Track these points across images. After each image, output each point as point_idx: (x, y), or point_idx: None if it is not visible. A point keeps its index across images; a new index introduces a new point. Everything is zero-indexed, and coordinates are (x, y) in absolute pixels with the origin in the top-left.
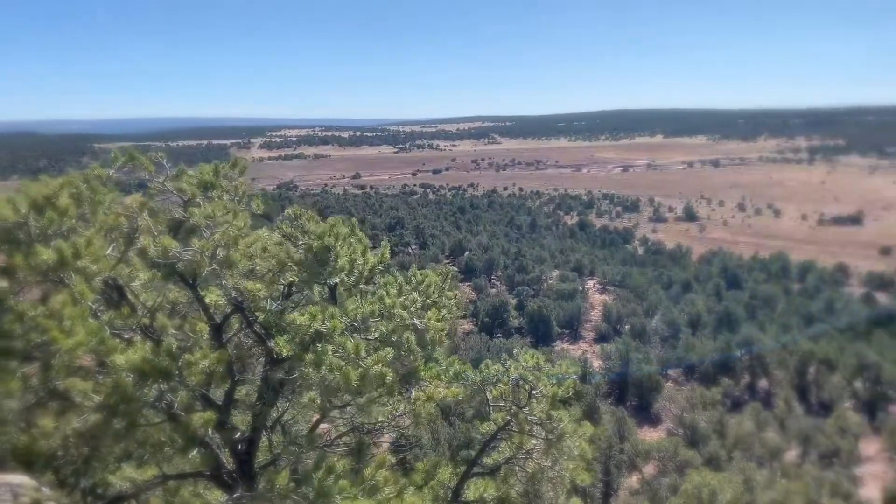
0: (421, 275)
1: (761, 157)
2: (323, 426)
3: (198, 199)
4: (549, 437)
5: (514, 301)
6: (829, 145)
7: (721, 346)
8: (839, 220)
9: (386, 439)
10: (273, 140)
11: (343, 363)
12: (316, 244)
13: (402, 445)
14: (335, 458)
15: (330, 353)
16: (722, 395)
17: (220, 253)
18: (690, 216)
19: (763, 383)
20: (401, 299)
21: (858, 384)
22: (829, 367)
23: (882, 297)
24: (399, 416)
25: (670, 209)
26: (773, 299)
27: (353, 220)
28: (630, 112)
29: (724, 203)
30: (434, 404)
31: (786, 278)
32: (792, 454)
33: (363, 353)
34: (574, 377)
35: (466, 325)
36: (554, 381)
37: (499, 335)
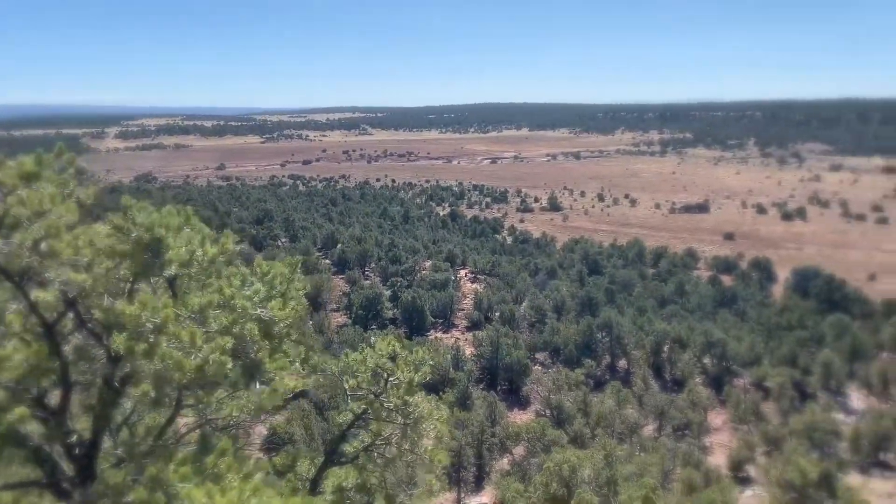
0: (266, 266)
1: (619, 150)
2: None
3: (19, 191)
4: (407, 422)
5: (388, 292)
6: (678, 138)
7: (584, 330)
8: (688, 209)
9: (257, 435)
10: (130, 129)
11: (178, 353)
12: (146, 235)
13: (275, 443)
14: (179, 453)
15: (164, 343)
16: (585, 376)
17: (44, 245)
18: (555, 206)
19: (622, 363)
20: (244, 290)
21: (707, 360)
22: (681, 345)
23: (726, 280)
24: (254, 410)
25: (536, 200)
26: (630, 284)
27: (189, 209)
28: (497, 105)
29: (585, 193)
30: (282, 396)
31: (642, 263)
32: (649, 428)
33: (200, 343)
34: (430, 363)
35: (340, 318)
36: (412, 368)
37: (374, 327)
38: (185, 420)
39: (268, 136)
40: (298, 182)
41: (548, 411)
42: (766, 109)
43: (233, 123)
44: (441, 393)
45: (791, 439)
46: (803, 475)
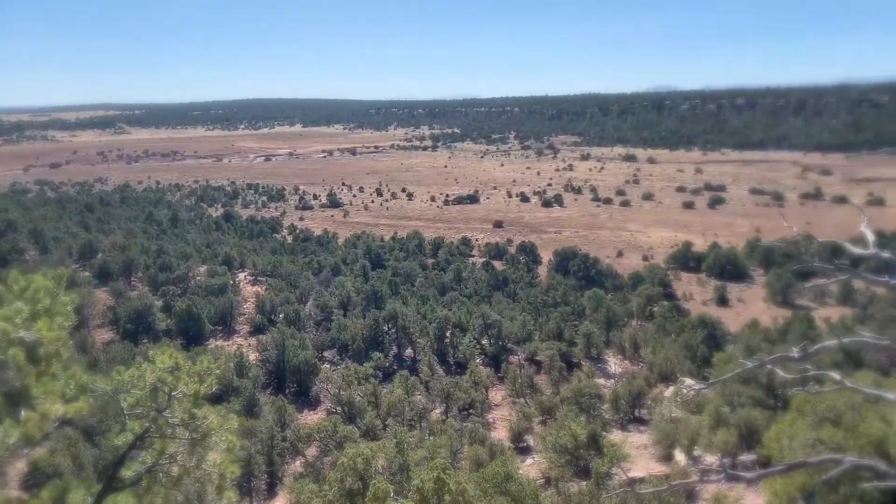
0: (24, 280)
1: (393, 145)
2: None
3: None
4: (194, 436)
5: (159, 302)
6: (448, 133)
7: (371, 324)
8: (461, 200)
9: (16, 473)
10: None
11: None
12: None
13: (38, 480)
14: None
15: None
16: (374, 369)
17: None
18: (334, 203)
19: (409, 352)
20: (1, 310)
21: (485, 341)
22: (461, 329)
23: (498, 264)
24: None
25: (315, 196)
26: (412, 275)
27: None
28: (268, 101)
29: (364, 189)
30: (51, 424)
31: (422, 254)
32: (437, 412)
33: None
34: (217, 372)
35: (106, 334)
36: (196, 379)
37: (145, 341)
38: None
39: (6, 137)
40: (46, 187)
41: (339, 408)
42: (523, 105)
43: None
44: (226, 402)
45: (562, 406)
46: (574, 438)
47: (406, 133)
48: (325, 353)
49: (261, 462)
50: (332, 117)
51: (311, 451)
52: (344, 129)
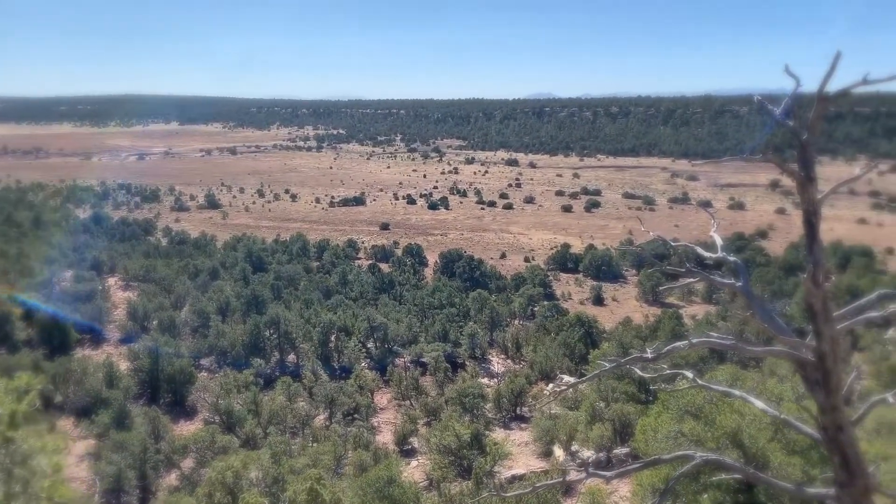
0: None
1: (276, 145)
2: None
3: None
4: (10, 461)
5: (19, 311)
6: (333, 134)
7: (251, 329)
8: (346, 202)
9: None
10: None
11: None
12: None
13: None
14: None
15: None
16: (255, 376)
17: None
18: (213, 204)
19: (292, 357)
20: None
21: (371, 344)
22: (346, 333)
23: (384, 267)
24: None
25: (192, 197)
26: (295, 278)
27: None
28: (143, 97)
29: (244, 189)
30: None
31: (306, 257)
32: (321, 418)
33: None
34: (38, 388)
35: None
36: (13, 398)
37: (2, 352)
38: None
39: None
40: None
41: (217, 417)
42: (409, 108)
43: None
44: (93, 416)
45: (447, 407)
46: (458, 438)
47: (289, 133)
48: (203, 361)
49: (132, 477)
50: (210, 115)
51: (188, 463)
52: (223, 127)
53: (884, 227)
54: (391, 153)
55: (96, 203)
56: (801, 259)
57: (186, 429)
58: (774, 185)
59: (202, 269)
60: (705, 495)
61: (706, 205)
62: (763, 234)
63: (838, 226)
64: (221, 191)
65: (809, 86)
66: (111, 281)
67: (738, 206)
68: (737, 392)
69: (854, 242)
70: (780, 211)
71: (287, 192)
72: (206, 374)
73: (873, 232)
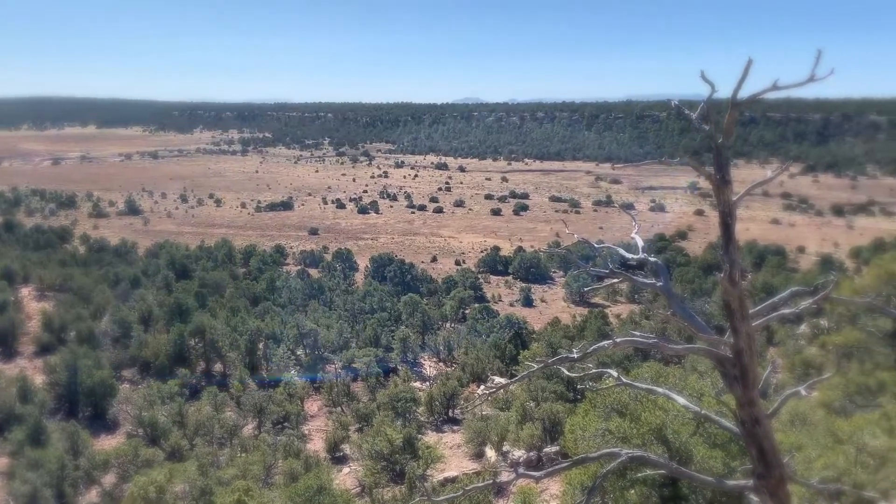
0: None
1: (199, 149)
2: None
3: None
4: None
5: None
6: (259, 138)
7: (175, 339)
8: (273, 207)
9: None
10: None
11: None
12: None
13: None
14: None
15: None
16: (180, 387)
17: None
18: (133, 210)
19: (219, 366)
20: None
21: (301, 351)
22: (275, 340)
23: (314, 272)
24: None
25: (111, 203)
26: (221, 285)
27: None
28: (57, 99)
29: (166, 195)
30: None
31: (232, 264)
32: (250, 427)
33: None
34: None
35: None
36: None
37: None
38: None
39: None
40: None
41: (140, 430)
42: (337, 111)
43: None
44: (6, 433)
45: (379, 413)
46: (390, 443)
47: (213, 136)
48: (125, 373)
49: (48, 495)
50: (130, 119)
51: (110, 479)
52: (144, 131)
53: (795, 227)
54: (319, 157)
55: (7, 210)
56: (719, 259)
57: (108, 443)
58: (693, 187)
59: (123, 277)
60: (632, 491)
61: (629, 207)
62: (683, 235)
63: (753, 226)
64: (142, 196)
65: (724, 91)
66: (25, 291)
67: (658, 208)
68: (660, 389)
69: (768, 242)
70: (699, 212)
71: (211, 197)
72: (128, 386)
73: (786, 231)
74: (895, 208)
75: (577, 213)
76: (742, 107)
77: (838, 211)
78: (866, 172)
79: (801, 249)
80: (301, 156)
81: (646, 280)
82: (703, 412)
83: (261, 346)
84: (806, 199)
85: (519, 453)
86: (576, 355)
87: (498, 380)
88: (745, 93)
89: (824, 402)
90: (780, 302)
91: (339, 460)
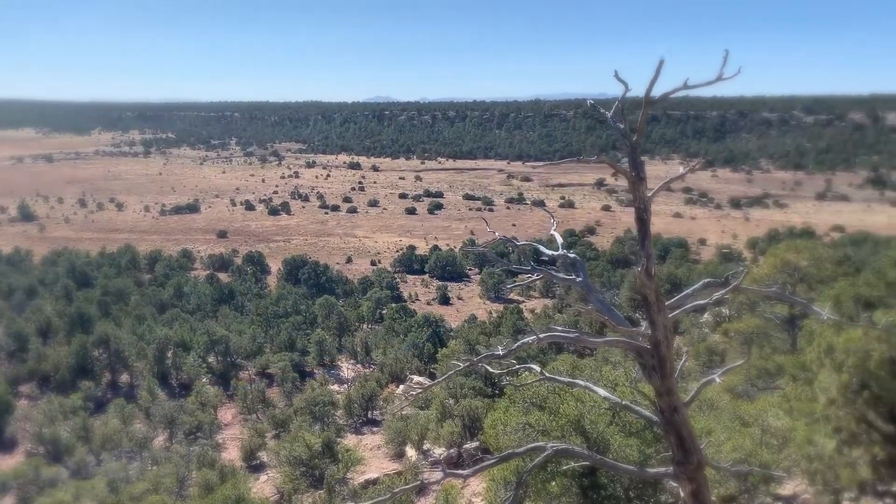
0: None
1: (98, 151)
2: None
3: None
4: None
5: None
6: (161, 138)
7: (77, 350)
8: (179, 210)
9: None
10: None
11: None
12: None
13: None
14: None
15: None
16: (84, 400)
17: None
18: (27, 216)
19: (125, 377)
20: None
21: (212, 359)
22: (184, 348)
23: (224, 277)
24: None
25: (2, 209)
26: (125, 292)
27: None
28: None
29: (63, 200)
30: None
31: (136, 270)
32: (161, 439)
33: None
34: None
35: None
36: None
37: None
38: None
39: None
40: None
41: (41, 448)
42: (243, 110)
43: None
44: None
45: (296, 418)
46: (308, 448)
47: (113, 137)
48: (22, 388)
49: None
50: (20, 120)
51: (9, 502)
52: (37, 133)
53: (696, 220)
54: (226, 157)
55: None
56: (627, 252)
57: (5, 463)
58: (600, 183)
59: (17, 287)
60: (553, 482)
61: (541, 204)
62: (591, 231)
63: (657, 220)
64: (37, 202)
65: (635, 91)
66: None
67: (568, 204)
68: (581, 382)
69: (671, 235)
70: (606, 208)
71: (112, 201)
72: (26, 402)
73: (688, 224)
74: (787, 200)
75: (491, 210)
76: (655, 105)
77: (736, 204)
78: (760, 166)
79: (703, 241)
80: (207, 156)
81: (567, 276)
82: (623, 402)
83: (170, 354)
84: (706, 193)
85: (440, 451)
86: (501, 352)
87: (418, 379)
88: (655, 92)
89: (728, 387)
90: (693, 293)
91: (257, 468)
